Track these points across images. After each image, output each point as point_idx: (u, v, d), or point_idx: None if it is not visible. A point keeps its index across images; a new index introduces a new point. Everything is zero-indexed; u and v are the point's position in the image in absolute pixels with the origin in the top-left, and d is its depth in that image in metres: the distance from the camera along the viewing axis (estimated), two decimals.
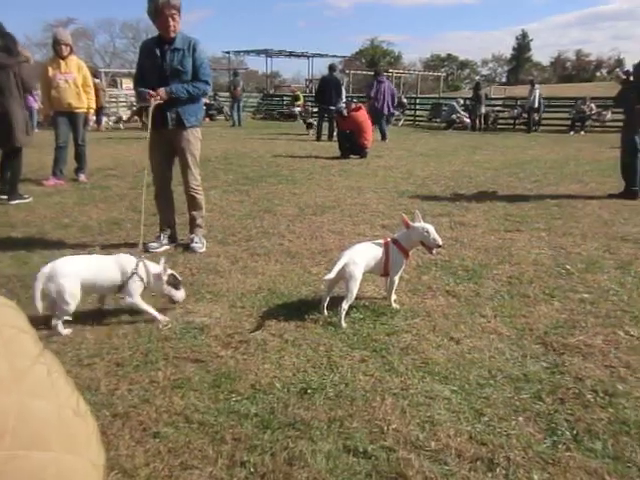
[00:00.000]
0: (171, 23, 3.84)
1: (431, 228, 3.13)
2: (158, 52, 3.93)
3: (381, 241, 3.17)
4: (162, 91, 3.88)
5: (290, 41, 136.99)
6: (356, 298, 2.96)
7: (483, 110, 17.79)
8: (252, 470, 1.79)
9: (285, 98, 25.18)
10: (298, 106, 21.02)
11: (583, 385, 2.32)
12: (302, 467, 1.79)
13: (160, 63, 3.93)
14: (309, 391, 2.24)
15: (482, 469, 1.79)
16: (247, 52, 29.63)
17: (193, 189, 4.26)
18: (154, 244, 4.21)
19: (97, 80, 19.90)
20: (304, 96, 22.34)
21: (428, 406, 2.15)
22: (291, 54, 29.23)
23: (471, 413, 2.11)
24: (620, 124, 16.58)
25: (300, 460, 1.82)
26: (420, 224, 3.14)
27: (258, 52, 28.08)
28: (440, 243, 3.11)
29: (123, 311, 3.08)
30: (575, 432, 1.99)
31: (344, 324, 2.84)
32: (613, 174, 8.01)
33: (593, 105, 17.13)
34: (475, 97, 17.78)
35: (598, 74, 67.69)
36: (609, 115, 17.39)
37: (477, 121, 17.52)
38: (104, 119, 17.26)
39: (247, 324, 2.89)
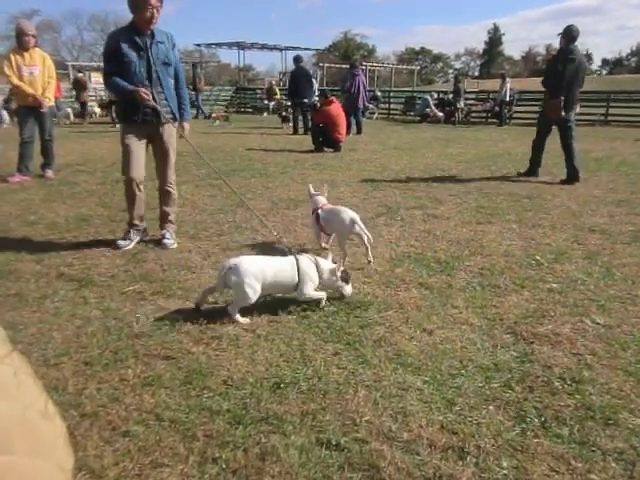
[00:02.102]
0: (155, 15, 3.74)
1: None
2: (141, 43, 3.80)
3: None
4: (187, 126, 4.16)
5: (263, 34, 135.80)
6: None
7: (462, 104, 17.93)
8: (224, 466, 1.77)
9: (259, 91, 24.99)
10: (273, 100, 20.87)
11: (551, 373, 2.36)
12: (274, 462, 1.78)
13: (147, 55, 3.82)
14: (282, 385, 2.23)
15: (453, 458, 1.81)
16: (219, 45, 29.27)
17: (171, 184, 4.21)
18: (123, 242, 4.11)
19: (80, 74, 19.47)
20: (279, 89, 22.19)
21: (401, 397, 2.16)
22: (264, 47, 28.97)
23: (443, 403, 2.13)
24: (591, 117, 17.14)
25: (272, 455, 1.81)
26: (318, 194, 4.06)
27: (230, 45, 27.75)
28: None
29: (92, 308, 3.02)
30: (543, 419, 2.03)
31: None
32: (581, 166, 8.19)
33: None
34: (456, 90, 17.89)
35: None
36: (578, 108, 17.70)
37: (456, 114, 17.62)
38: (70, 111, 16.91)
39: (219, 320, 2.86)
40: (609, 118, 17.19)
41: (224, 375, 2.32)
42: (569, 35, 6.97)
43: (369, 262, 3.70)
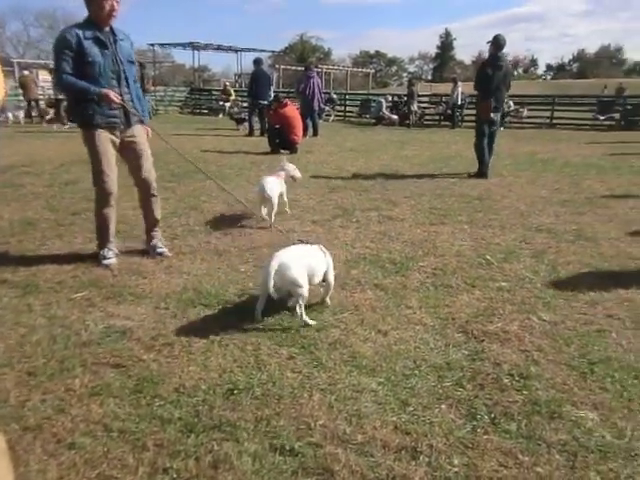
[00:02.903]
0: (116, 7, 3.45)
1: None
2: (105, 40, 3.50)
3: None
4: (149, 130, 3.89)
5: (218, 35, 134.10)
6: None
7: (416, 106, 18.25)
8: (175, 476, 1.73)
9: (214, 92, 24.67)
10: (228, 101, 20.65)
11: (501, 370, 2.43)
12: (227, 470, 1.76)
13: (112, 54, 3.52)
14: (235, 392, 2.21)
15: (406, 458, 1.84)
16: (173, 45, 28.72)
17: (156, 189, 3.95)
18: (111, 260, 3.73)
19: (26, 72, 18.63)
20: (234, 91, 21.98)
21: (355, 399, 2.17)
22: (219, 48, 28.61)
23: (397, 404, 2.15)
24: (537, 120, 17.78)
25: (225, 462, 1.78)
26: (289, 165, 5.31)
27: (184, 45, 27.26)
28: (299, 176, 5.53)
29: (38, 315, 2.90)
30: (493, 415, 2.09)
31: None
32: (529, 168, 8.52)
33: (511, 102, 18.02)
34: (409, 93, 18.18)
35: (515, 73, 71.52)
36: (525, 112, 18.41)
37: (410, 117, 17.90)
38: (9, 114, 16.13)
39: (171, 326, 2.80)
40: (554, 121, 17.88)
41: (176, 382, 2.27)
42: (497, 44, 7.54)
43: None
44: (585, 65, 67.96)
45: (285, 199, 5.18)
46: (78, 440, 1.89)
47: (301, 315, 2.78)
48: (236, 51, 29.09)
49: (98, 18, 3.46)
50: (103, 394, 2.18)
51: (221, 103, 21.26)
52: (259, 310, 2.85)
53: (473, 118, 18.19)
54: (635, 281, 3.50)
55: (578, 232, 4.71)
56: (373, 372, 2.38)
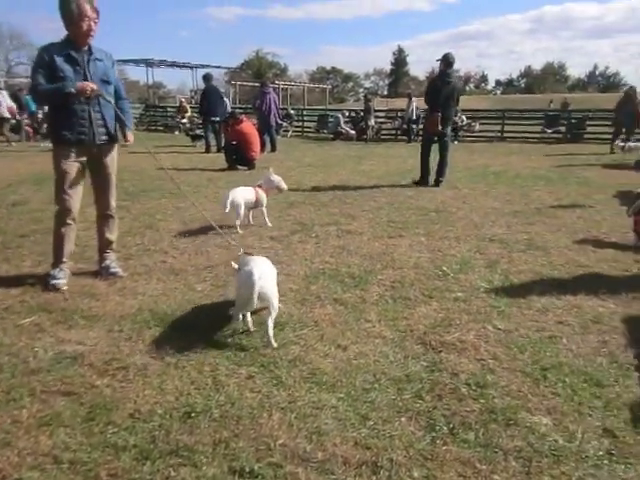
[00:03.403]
0: (93, 27, 3.46)
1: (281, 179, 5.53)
2: (78, 59, 3.49)
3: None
4: (131, 137, 3.83)
5: (173, 51, 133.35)
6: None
7: (373, 121, 18.54)
8: None
9: (170, 109, 24.40)
10: (185, 118, 20.45)
11: (458, 380, 2.47)
12: None
13: (84, 72, 3.50)
14: (193, 414, 2.16)
15: (367, 473, 1.83)
16: (125, 61, 28.29)
17: (114, 209, 3.90)
18: (61, 280, 3.62)
19: None
20: (189, 107, 21.79)
21: (315, 417, 2.16)
22: (174, 64, 28.42)
23: (357, 419, 2.15)
24: (489, 134, 18.36)
25: None
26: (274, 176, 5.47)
27: (137, 62, 26.95)
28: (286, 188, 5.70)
29: None
30: (451, 426, 2.11)
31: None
32: (482, 180, 8.76)
33: (464, 117, 18.58)
34: (366, 109, 18.47)
35: (467, 88, 73.85)
36: (478, 126, 19.00)
37: (367, 132, 18.16)
38: None
39: (126, 349, 2.72)
40: (505, 134, 18.51)
41: (131, 408, 2.20)
42: (446, 61, 8.07)
43: None
44: (532, 81, 70.93)
45: (264, 209, 5.43)
46: (25, 475, 1.80)
47: (271, 328, 2.76)
48: (191, 67, 28.95)
49: (75, 37, 3.50)
50: (53, 424, 2.09)
51: (177, 120, 21.04)
52: (240, 318, 2.94)
53: None
54: (583, 288, 3.64)
55: (529, 242, 4.86)
56: (333, 388, 2.38)
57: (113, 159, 3.81)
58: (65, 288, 3.57)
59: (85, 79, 3.49)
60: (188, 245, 4.69)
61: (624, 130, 13.20)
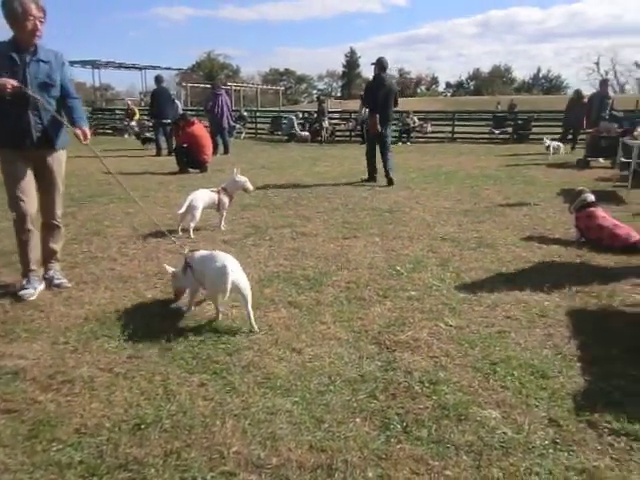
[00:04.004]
0: (38, 27, 3.29)
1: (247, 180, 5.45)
2: (18, 60, 3.31)
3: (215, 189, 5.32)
4: (87, 131, 3.58)
5: (122, 52, 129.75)
6: (198, 319, 2.86)
7: (327, 123, 18.61)
8: None
9: (118, 112, 23.76)
10: (134, 121, 19.95)
11: (412, 378, 2.50)
12: None
13: (22, 73, 3.31)
14: (143, 426, 2.09)
15: (322, 476, 1.83)
16: (71, 63, 27.34)
17: (59, 218, 3.72)
18: (26, 291, 3.49)
19: None
20: (139, 109, 21.27)
21: (270, 422, 2.13)
22: (121, 65, 27.69)
23: (312, 422, 2.14)
24: (440, 135, 18.79)
25: None
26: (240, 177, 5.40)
27: (83, 63, 26.11)
28: (252, 188, 5.62)
29: None
30: (405, 424, 2.13)
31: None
32: (434, 180, 8.95)
33: (416, 118, 18.93)
34: (320, 110, 18.52)
35: (419, 90, 75.33)
36: (429, 127, 19.41)
37: (322, 133, 18.22)
38: None
39: (71, 361, 2.61)
40: (455, 135, 18.98)
41: (77, 423, 2.11)
42: (380, 65, 8.57)
43: None
44: (480, 83, 73.03)
45: (224, 212, 5.43)
46: None
47: (252, 314, 2.99)
48: (140, 69, 28.29)
49: (20, 37, 3.34)
50: None
51: (126, 123, 20.51)
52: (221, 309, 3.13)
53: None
54: (530, 283, 3.76)
55: (479, 239, 4.99)
56: (288, 392, 2.36)
57: (59, 165, 3.63)
58: (32, 299, 3.43)
59: (24, 81, 3.32)
60: (138, 251, 4.57)
61: (572, 130, 13.79)
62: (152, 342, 2.81)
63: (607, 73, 56.27)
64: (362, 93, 21.70)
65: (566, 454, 1.94)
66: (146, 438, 2.02)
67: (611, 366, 2.58)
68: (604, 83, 13.66)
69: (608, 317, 3.20)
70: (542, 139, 12.94)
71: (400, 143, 17.96)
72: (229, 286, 2.87)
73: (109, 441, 2.00)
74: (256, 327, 2.97)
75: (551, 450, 1.96)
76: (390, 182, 8.41)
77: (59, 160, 3.64)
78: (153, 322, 3.08)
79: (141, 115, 20.21)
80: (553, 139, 13.07)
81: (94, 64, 26.13)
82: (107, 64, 26.86)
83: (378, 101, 8.39)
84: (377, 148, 8.69)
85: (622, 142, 8.47)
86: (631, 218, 5.73)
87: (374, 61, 8.65)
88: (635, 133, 8.26)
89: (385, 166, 8.53)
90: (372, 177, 8.78)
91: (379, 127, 8.44)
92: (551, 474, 1.84)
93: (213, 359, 2.65)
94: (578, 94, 14.07)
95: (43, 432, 2.05)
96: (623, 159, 8.40)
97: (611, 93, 13.65)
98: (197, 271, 3.14)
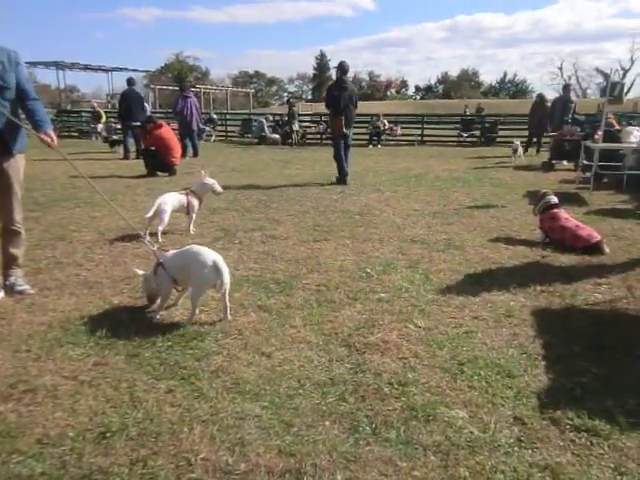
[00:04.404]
0: None
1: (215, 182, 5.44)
2: None
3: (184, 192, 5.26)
4: (53, 135, 3.45)
5: (88, 54, 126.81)
6: (166, 324, 2.82)
7: (297, 126, 18.61)
8: None
9: (84, 114, 23.26)
10: (101, 123, 19.57)
11: (381, 379, 2.51)
12: None
13: None
14: (108, 434, 2.05)
15: None
16: (34, 64, 26.61)
17: (19, 224, 3.61)
18: None
19: None
20: (106, 112, 20.87)
21: (238, 427, 2.11)
22: (87, 67, 27.06)
23: (281, 426, 2.13)
24: (410, 138, 19.01)
25: None
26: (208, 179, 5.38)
27: (47, 64, 25.46)
28: (222, 191, 5.57)
29: None
30: (374, 426, 2.14)
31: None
32: (404, 183, 9.04)
33: (386, 121, 19.12)
34: (290, 113, 18.51)
35: (389, 93, 76.05)
36: (399, 130, 19.62)
37: (292, 136, 18.21)
38: None
39: (34, 370, 2.54)
40: (425, 138, 19.25)
41: (39, 433, 2.06)
42: (342, 69, 8.91)
43: None
44: (449, 87, 74.18)
45: (193, 215, 5.35)
46: None
47: (229, 307, 3.17)
48: (106, 71, 27.76)
49: None
50: None
51: (93, 125, 20.11)
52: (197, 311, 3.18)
53: (353, 137, 19.24)
54: (496, 283, 3.83)
55: (448, 241, 5.06)
56: (257, 397, 2.34)
57: (16, 170, 3.51)
58: None
59: None
60: (104, 256, 4.48)
61: (536, 133, 14.16)
62: (118, 348, 2.76)
63: (570, 78, 57.94)
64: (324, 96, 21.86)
65: (530, 451, 1.98)
66: (111, 447, 1.98)
67: (573, 364, 2.65)
68: (567, 88, 14.08)
69: (571, 316, 3.29)
70: (512, 142, 13.19)
71: (371, 146, 18.14)
72: (226, 278, 3.04)
73: (73, 451, 1.95)
74: (230, 316, 3.15)
75: (516, 448, 2.00)
76: (343, 181, 8.87)
77: (16, 165, 3.52)
78: (120, 328, 3.02)
79: (108, 118, 19.84)
80: (522, 142, 13.38)
81: (58, 65, 25.48)
82: (72, 65, 26.23)
83: (342, 104, 8.67)
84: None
85: (584, 145, 8.71)
86: (592, 219, 5.91)
87: (336, 65, 9.00)
88: (596, 136, 8.52)
89: (345, 165, 8.97)
90: (343, 179, 8.94)
91: (344, 129, 8.78)
92: (515, 471, 1.88)
93: (181, 365, 2.61)
94: (541, 98, 14.49)
95: (3, 444, 1.99)
96: (585, 162, 8.65)
97: (574, 97, 14.10)
98: (172, 268, 3.13)
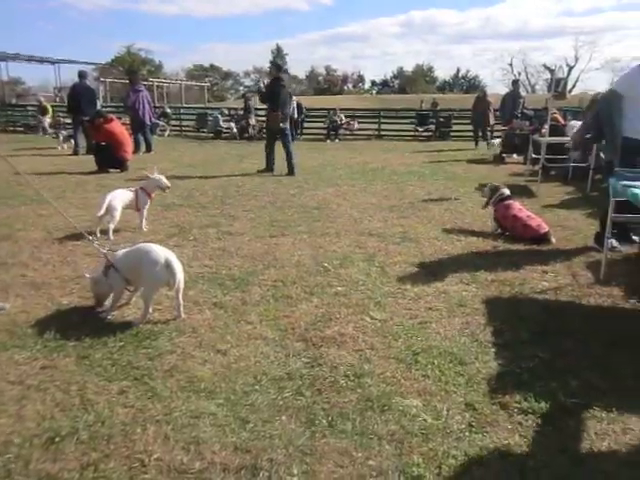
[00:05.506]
0: None
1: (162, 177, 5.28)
2: None
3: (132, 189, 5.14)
4: None
5: (34, 45, 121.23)
6: (118, 324, 2.75)
7: (254, 120, 18.42)
8: None
9: (30, 108, 22.31)
10: (47, 118, 18.80)
11: (337, 372, 2.54)
12: None
13: None
14: (57, 439, 1.99)
15: (247, 477, 1.82)
16: None
17: None
18: None
19: None
20: (53, 106, 20.08)
21: (193, 426, 2.09)
22: (31, 59, 25.95)
23: (237, 423, 2.12)
24: (367, 132, 19.16)
25: None
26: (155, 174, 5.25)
27: None
28: (169, 185, 5.38)
29: None
30: (330, 418, 2.16)
31: None
32: (361, 177, 9.11)
33: (342, 116, 19.20)
34: (246, 107, 18.30)
35: (346, 88, 76.31)
36: (356, 125, 19.74)
37: (249, 130, 18.01)
38: None
39: None
40: (382, 133, 19.45)
41: None
42: (277, 67, 9.96)
43: None
44: (405, 81, 75.07)
45: (144, 212, 5.26)
46: None
47: (182, 304, 3.13)
48: (53, 63, 26.71)
49: None
50: None
51: (40, 120, 19.31)
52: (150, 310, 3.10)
53: (311, 131, 19.28)
54: (450, 274, 3.93)
55: (403, 234, 5.14)
56: (212, 394, 2.32)
57: None
58: None
59: None
60: (52, 256, 4.32)
61: (480, 128, 14.58)
62: (68, 350, 2.68)
63: (520, 74, 59.67)
64: (289, 90, 21.77)
65: (480, 435, 2.05)
66: (61, 452, 1.92)
67: (521, 349, 2.76)
68: (515, 83, 14.56)
69: (520, 304, 3.41)
70: (463, 136, 13.54)
71: (328, 140, 18.17)
72: (179, 275, 3.01)
73: (19, 458, 1.88)
74: (184, 314, 3.12)
75: (467, 433, 2.06)
76: (291, 172, 9.30)
77: None
78: (69, 329, 2.92)
79: (56, 112, 19.10)
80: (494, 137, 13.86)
81: None
82: (15, 57, 25.09)
83: (280, 100, 9.20)
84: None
85: (532, 139, 9.01)
86: (540, 210, 6.13)
87: (269, 63, 9.71)
88: (543, 130, 8.82)
89: (288, 158, 9.35)
90: (270, 169, 9.56)
91: (282, 124, 9.33)
92: (467, 455, 1.93)
93: (134, 365, 2.56)
94: (484, 93, 15.03)
95: None
96: (533, 155, 8.96)
97: (523, 93, 14.60)
98: (124, 268, 3.06)
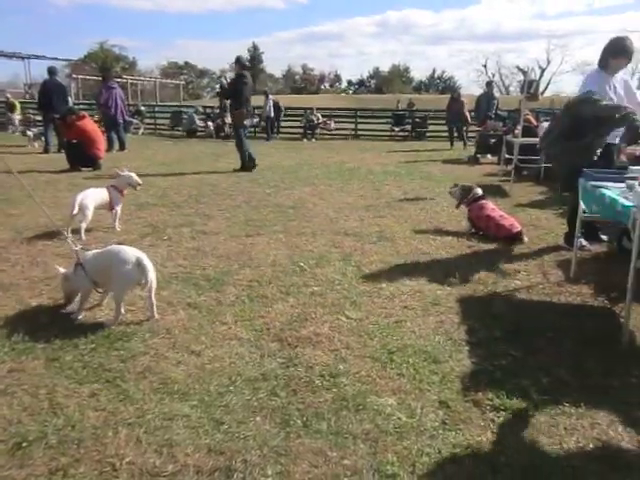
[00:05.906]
0: None
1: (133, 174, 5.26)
2: None
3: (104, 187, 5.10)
4: None
5: (1, 40, 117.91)
6: (89, 325, 2.69)
7: (229, 118, 18.25)
8: None
9: None
10: (15, 115, 18.33)
11: (313, 372, 2.53)
12: None
13: None
14: (25, 444, 1.94)
15: (220, 479, 1.80)
16: None
17: None
18: None
19: None
20: (22, 102, 19.58)
21: (166, 428, 2.06)
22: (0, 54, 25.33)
23: (211, 425, 2.10)
24: (344, 132, 19.20)
25: None
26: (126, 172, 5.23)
27: None
28: (140, 182, 5.35)
29: None
30: (305, 419, 2.16)
31: None
32: (338, 177, 9.12)
33: (319, 115, 19.20)
34: (222, 106, 18.14)
35: (323, 87, 76.36)
36: (333, 124, 19.77)
37: (225, 128, 17.86)
38: None
39: None
40: (358, 132, 19.51)
41: None
42: (241, 64, 9.76)
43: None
44: (381, 81, 75.50)
45: (118, 210, 5.19)
46: None
47: (155, 304, 3.10)
48: (23, 58, 26.07)
49: None
50: None
51: (9, 117, 18.81)
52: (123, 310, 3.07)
53: (288, 130, 19.23)
54: (425, 273, 3.96)
55: (379, 233, 5.16)
56: (186, 396, 2.29)
57: None
58: None
59: None
60: (21, 256, 4.21)
61: (455, 128, 14.77)
62: (37, 353, 2.61)
63: (494, 75, 60.62)
64: (265, 89, 21.69)
65: (454, 433, 2.07)
66: (28, 457, 1.87)
67: (494, 347, 2.80)
68: (489, 84, 14.76)
69: (493, 302, 3.46)
70: (439, 136, 13.71)
71: (305, 140, 18.15)
72: (151, 274, 2.99)
73: None
74: (157, 315, 3.09)
75: (441, 431, 2.08)
76: (245, 168, 9.53)
77: None
78: (38, 331, 2.85)
79: (25, 109, 18.64)
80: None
81: None
82: None
83: (242, 97, 9.33)
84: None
85: (505, 140, 9.16)
86: (513, 209, 6.23)
87: (234, 60, 9.68)
88: (516, 131, 8.97)
89: (241, 153, 9.65)
90: (248, 167, 9.61)
91: (246, 122, 9.75)
92: (440, 453, 1.95)
93: (105, 367, 2.51)
94: (457, 93, 15.29)
95: None
96: (507, 155, 9.10)
97: (497, 94, 14.83)
98: (92, 270, 3.00)
